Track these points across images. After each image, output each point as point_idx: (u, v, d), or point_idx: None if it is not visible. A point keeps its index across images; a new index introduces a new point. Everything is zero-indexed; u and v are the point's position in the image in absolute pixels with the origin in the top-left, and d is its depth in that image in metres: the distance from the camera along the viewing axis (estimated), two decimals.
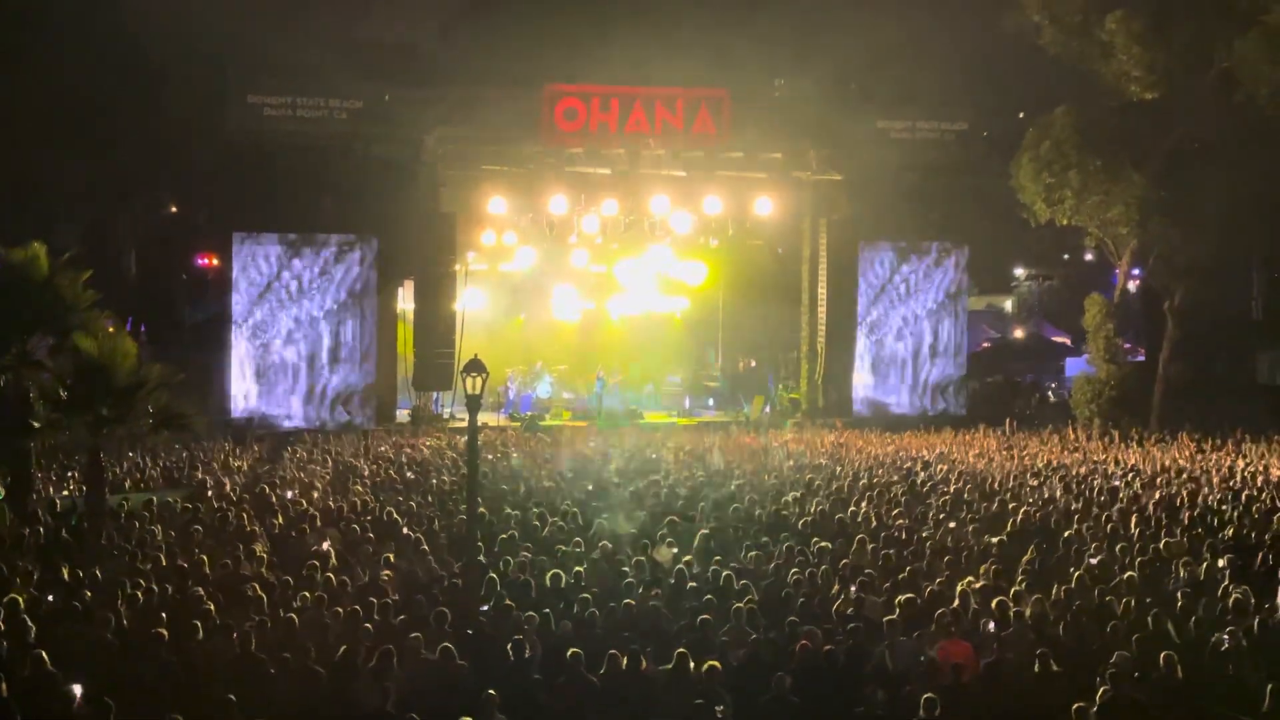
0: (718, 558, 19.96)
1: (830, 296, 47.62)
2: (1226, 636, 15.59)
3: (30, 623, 15.70)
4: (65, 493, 27.61)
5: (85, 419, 23.52)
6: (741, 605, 17.05)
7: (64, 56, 44.68)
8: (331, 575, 18.52)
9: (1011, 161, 44.92)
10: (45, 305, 24.21)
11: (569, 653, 15.01)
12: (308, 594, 17.50)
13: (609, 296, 51.21)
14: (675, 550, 20.99)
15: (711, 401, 51.40)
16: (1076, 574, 18.69)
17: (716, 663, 14.80)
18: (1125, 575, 18.65)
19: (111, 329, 26.34)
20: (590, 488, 27.55)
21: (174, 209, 60.43)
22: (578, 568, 19.30)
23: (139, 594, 17.32)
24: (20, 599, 16.42)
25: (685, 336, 52.81)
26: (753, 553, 20.50)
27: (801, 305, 48.79)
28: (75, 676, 13.95)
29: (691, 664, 14.91)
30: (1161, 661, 14.81)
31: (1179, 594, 17.68)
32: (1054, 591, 17.96)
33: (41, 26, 45.21)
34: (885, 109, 46.88)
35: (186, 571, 18.77)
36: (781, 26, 47.27)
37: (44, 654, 14.25)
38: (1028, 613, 16.88)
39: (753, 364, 52.80)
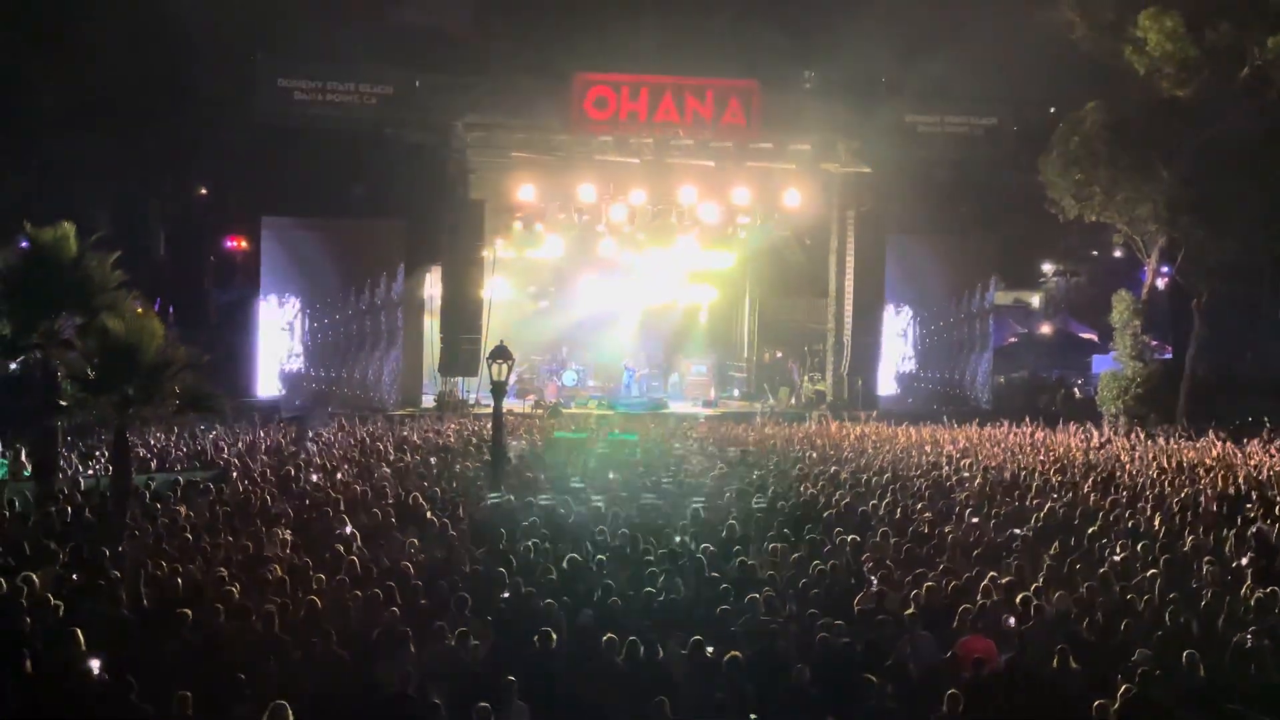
0: (740, 548, 19.96)
1: (857, 289, 47.45)
2: (1250, 635, 15.54)
3: (54, 600, 15.79)
4: (90, 472, 27.73)
5: (112, 399, 23.56)
6: (760, 596, 17.07)
7: (96, 38, 44.81)
8: (355, 559, 18.57)
9: (1041, 157, 44.79)
10: (73, 284, 24.27)
11: (604, 638, 15.04)
12: (331, 577, 17.56)
13: (636, 285, 51.19)
14: (698, 539, 20.98)
15: (737, 392, 51.40)
16: (1100, 571, 18.66)
17: (738, 654, 14.82)
18: (1148, 573, 18.59)
19: (139, 310, 26.39)
20: (613, 476, 27.59)
21: (203, 191, 60.62)
22: (600, 556, 19.32)
23: (162, 574, 17.41)
24: (45, 576, 16.50)
25: (712, 327, 52.77)
26: (775, 544, 20.49)
27: (828, 297, 48.75)
28: (96, 654, 14.04)
29: (710, 652, 14.95)
30: (1184, 660, 14.78)
31: (1202, 592, 17.64)
32: (1076, 588, 17.93)
33: (73, 8, 45.33)
34: (915, 103, 46.75)
35: (210, 552, 18.85)
36: (811, 18, 47.23)
37: (68, 631, 14.33)
38: (1049, 609, 16.84)
39: (779, 355, 52.75)
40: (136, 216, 54.28)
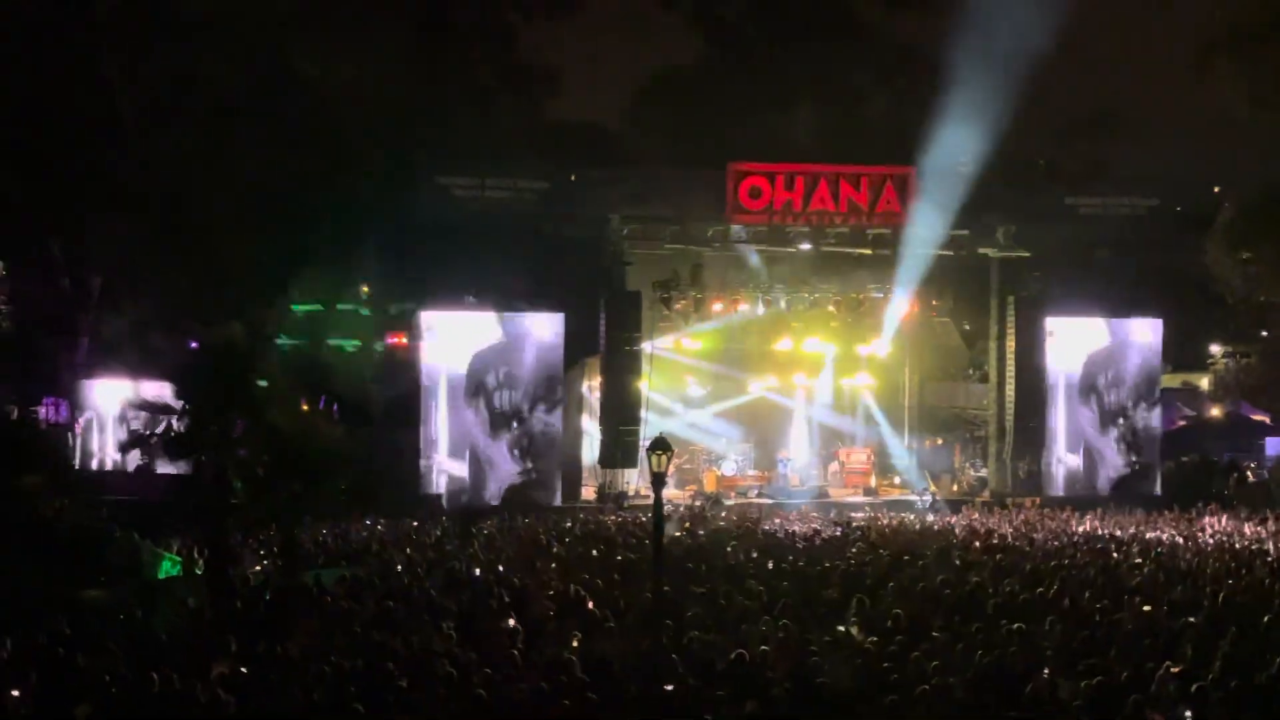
0: (905, 638, 19.70)
1: (1019, 373, 46.90)
2: None
3: (228, 696, 16.02)
4: (258, 568, 28.14)
5: (280, 497, 23.95)
6: (929, 686, 16.83)
7: (259, 142, 45.88)
8: (519, 652, 18.61)
9: (1206, 236, 44.12)
10: (243, 384, 24.75)
11: None
12: (497, 671, 17.60)
13: (794, 373, 51.20)
14: (862, 629, 20.76)
15: (898, 480, 50.94)
16: (1277, 660, 18.16)
17: None
18: None
19: (306, 407, 26.84)
20: (773, 565, 27.42)
21: (365, 288, 61.59)
22: (764, 646, 19.17)
23: (331, 669, 17.58)
24: (220, 673, 16.75)
25: (871, 414, 52.52)
26: (942, 633, 20.21)
27: (989, 382, 48.28)
28: None
29: None
30: None
31: None
32: (1254, 676, 17.46)
33: (236, 113, 46.52)
34: (1074, 185, 46.43)
35: (377, 646, 19.00)
36: (967, 103, 47.09)
37: None
38: (1226, 699, 16.41)
39: (939, 442, 52.31)
40: (300, 314, 55.23)
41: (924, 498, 45.76)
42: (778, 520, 37.43)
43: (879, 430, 52.55)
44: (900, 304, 46.75)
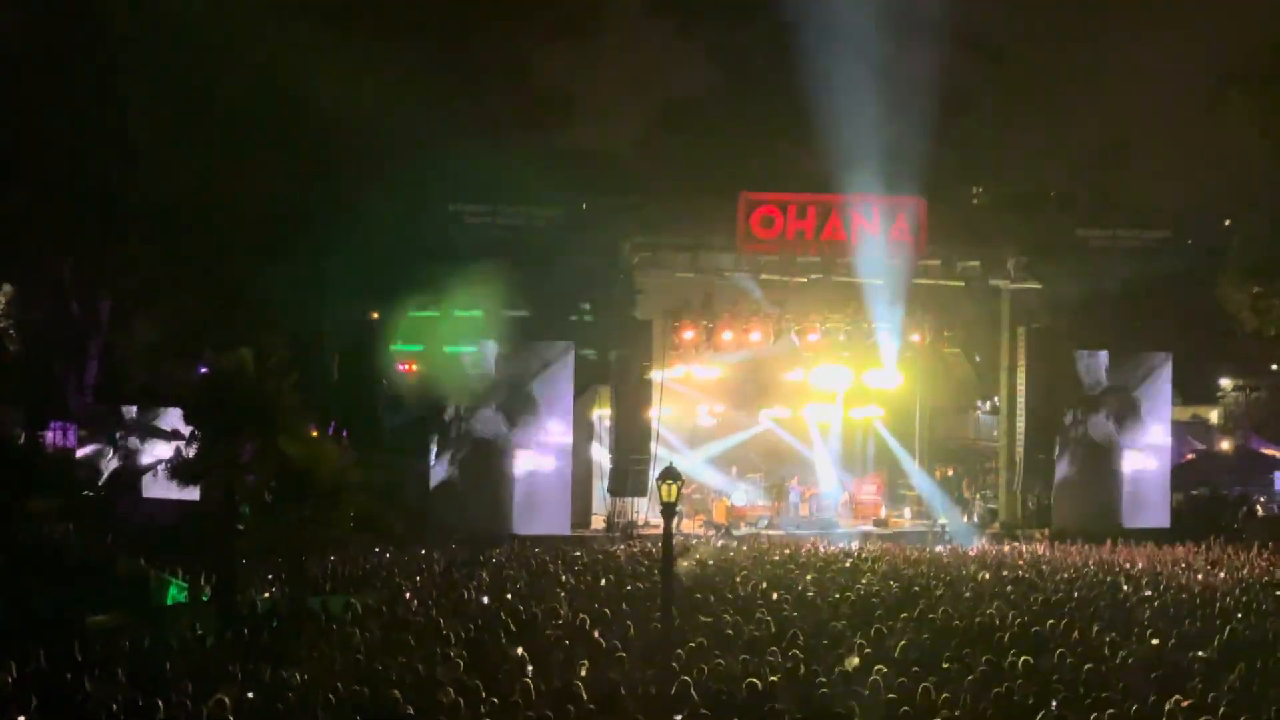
0: (915, 669, 19.61)
1: (1029, 405, 46.73)
2: None
3: None
4: (266, 594, 28.08)
5: (288, 522, 23.91)
6: (938, 719, 16.74)
7: (271, 167, 45.90)
8: (528, 681, 18.52)
9: (1217, 269, 44.04)
10: (252, 410, 24.74)
11: None
12: (503, 699, 17.52)
13: (805, 404, 51.11)
14: (872, 661, 20.65)
15: (908, 511, 50.77)
16: None
17: None
18: None
19: (315, 433, 26.82)
20: (778, 596, 27.32)
21: (375, 315, 61.62)
22: (773, 677, 19.09)
23: (337, 697, 17.50)
24: (225, 699, 16.69)
25: (881, 445, 52.41)
26: (950, 666, 20.11)
27: (1000, 414, 48.18)
28: None
29: None
30: None
31: None
32: (1264, 711, 17.36)
33: (252, 140, 46.54)
34: (1085, 217, 46.32)
35: (383, 674, 18.92)
36: (980, 135, 47.16)
37: None
38: None
39: (950, 473, 52.18)
40: (311, 341, 55.22)
41: (934, 529, 45.63)
42: (787, 551, 37.31)
43: (889, 461, 52.45)
44: (911, 334, 46.66)
